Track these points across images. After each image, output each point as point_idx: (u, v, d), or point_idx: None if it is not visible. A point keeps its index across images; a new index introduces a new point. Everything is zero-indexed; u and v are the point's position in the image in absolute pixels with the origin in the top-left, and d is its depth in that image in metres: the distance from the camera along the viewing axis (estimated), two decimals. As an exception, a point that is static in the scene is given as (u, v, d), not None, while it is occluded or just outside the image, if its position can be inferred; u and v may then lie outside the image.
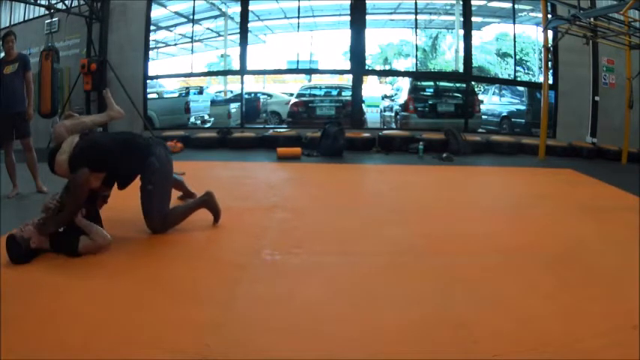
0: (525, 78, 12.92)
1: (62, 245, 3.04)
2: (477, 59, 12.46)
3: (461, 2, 9.58)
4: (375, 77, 15.99)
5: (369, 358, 2.04)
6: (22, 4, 9.08)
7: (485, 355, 2.04)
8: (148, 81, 9.45)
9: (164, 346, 2.07)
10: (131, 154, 3.38)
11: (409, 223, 4.02)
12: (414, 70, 11.91)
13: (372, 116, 11.75)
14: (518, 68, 12.40)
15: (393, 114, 10.97)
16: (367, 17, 9.39)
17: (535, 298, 2.59)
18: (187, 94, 11.80)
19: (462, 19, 9.62)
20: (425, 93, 10.28)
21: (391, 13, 12.57)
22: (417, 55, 11.89)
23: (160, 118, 9.95)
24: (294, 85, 13.34)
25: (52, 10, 8.02)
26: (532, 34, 12.36)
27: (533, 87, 10.96)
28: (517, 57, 11.60)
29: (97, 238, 3.05)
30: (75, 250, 3.01)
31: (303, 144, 7.78)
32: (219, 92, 13.65)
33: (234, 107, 10.93)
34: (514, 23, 10.05)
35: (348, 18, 9.29)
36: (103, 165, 3.23)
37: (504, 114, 11.11)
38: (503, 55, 13.57)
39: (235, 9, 10.58)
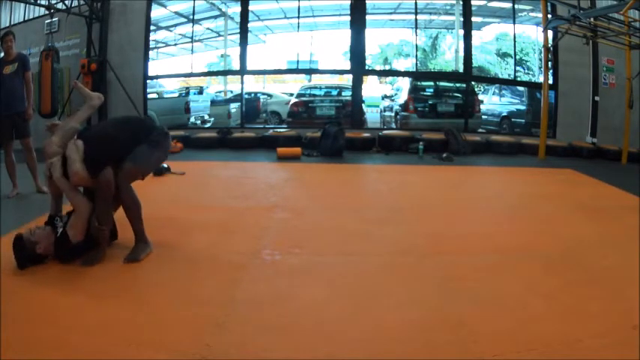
0: (525, 78, 12.93)
1: (61, 250, 2.96)
2: (477, 59, 12.47)
3: (461, 2, 9.58)
4: (375, 77, 16.02)
5: (369, 358, 2.04)
6: (22, 4, 9.08)
7: (485, 355, 2.04)
8: (148, 81, 9.45)
9: (164, 347, 2.08)
10: (135, 134, 3.18)
11: (409, 223, 4.02)
12: (414, 70, 11.92)
13: (372, 116, 11.76)
14: (518, 68, 12.41)
15: (393, 114, 10.97)
16: (367, 17, 9.39)
17: (535, 298, 2.58)
18: (187, 94, 11.80)
19: (462, 19, 9.62)
20: (425, 93, 10.28)
21: (391, 13, 12.58)
22: (417, 55, 11.91)
23: (160, 118, 9.93)
24: (294, 85, 13.36)
25: (52, 10, 8.01)
26: (532, 34, 12.38)
27: (533, 87, 10.97)
28: (517, 57, 11.61)
29: (73, 226, 2.96)
30: (70, 259, 2.96)
31: (303, 144, 7.78)
32: (219, 92, 13.66)
33: (234, 107, 10.93)
34: (514, 23, 10.05)
35: (348, 18, 9.29)
36: (117, 155, 3.07)
37: (504, 114, 11.11)
38: (503, 55, 13.59)
39: (235, 9, 10.59)
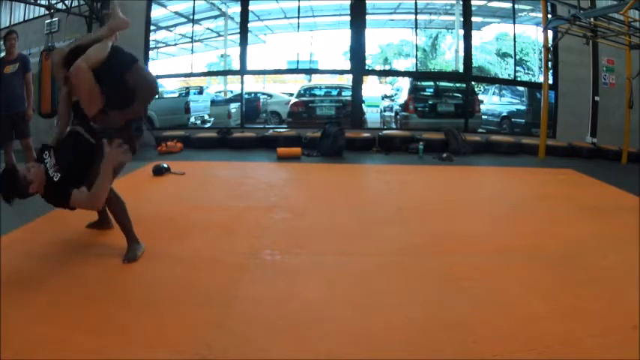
0: (525, 78, 12.94)
1: (55, 196, 2.80)
2: (477, 59, 12.49)
3: (461, 2, 9.58)
4: (375, 77, 16.03)
5: (369, 358, 2.04)
6: (22, 4, 9.08)
7: (485, 355, 2.04)
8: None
9: (164, 347, 2.08)
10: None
11: (409, 223, 4.02)
12: (414, 70, 11.92)
13: (372, 116, 11.76)
14: (518, 68, 12.42)
15: (393, 114, 10.97)
16: (367, 17, 9.39)
17: (535, 298, 2.59)
18: (187, 94, 11.80)
19: (462, 19, 9.63)
20: (425, 93, 10.27)
21: (391, 13, 12.60)
22: (417, 55, 11.91)
23: (160, 118, 9.95)
24: (294, 85, 13.37)
25: (52, 10, 8.01)
26: (532, 34, 12.40)
27: (533, 87, 10.97)
28: (517, 57, 11.62)
29: (93, 197, 2.77)
30: (66, 202, 2.79)
31: (303, 144, 7.78)
32: (219, 92, 13.66)
33: (234, 107, 10.94)
34: (514, 23, 10.05)
35: (348, 18, 9.29)
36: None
37: (504, 114, 11.11)
38: (503, 55, 13.60)
39: (235, 9, 10.60)
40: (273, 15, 12.67)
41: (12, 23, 9.40)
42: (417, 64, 12.06)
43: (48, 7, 7.94)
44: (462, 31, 9.59)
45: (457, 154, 7.61)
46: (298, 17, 10.25)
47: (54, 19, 8.86)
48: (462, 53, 9.53)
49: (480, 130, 9.94)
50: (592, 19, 7.13)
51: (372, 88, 13.80)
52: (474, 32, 9.72)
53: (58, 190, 2.80)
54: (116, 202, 3.11)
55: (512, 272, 2.98)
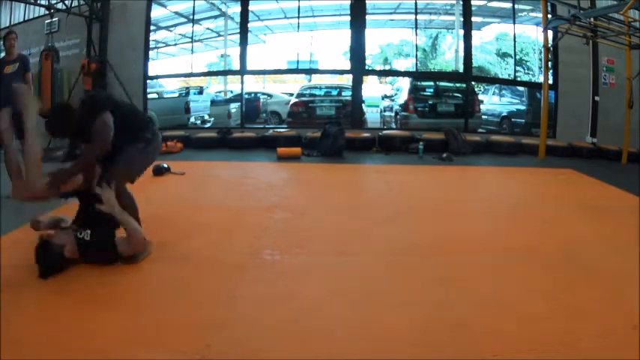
0: (525, 78, 12.93)
1: (98, 254, 2.83)
2: (477, 59, 12.47)
3: (461, 2, 9.58)
4: (375, 77, 16.01)
5: (369, 358, 2.04)
6: (22, 4, 9.08)
7: (485, 355, 2.04)
8: (148, 81, 9.45)
9: (164, 347, 2.08)
10: (130, 122, 3.08)
11: (409, 223, 4.02)
12: (414, 70, 11.91)
13: (372, 116, 11.75)
14: (518, 68, 12.40)
15: (393, 114, 10.96)
16: (367, 17, 9.39)
17: (535, 298, 2.59)
18: (187, 94, 11.80)
19: (462, 19, 9.62)
20: (425, 93, 10.27)
21: (391, 13, 12.58)
22: (417, 55, 11.89)
23: (160, 118, 9.94)
24: (294, 85, 13.35)
25: (52, 10, 8.02)
26: (532, 34, 12.38)
27: (533, 87, 10.97)
28: (517, 57, 11.60)
29: (134, 240, 2.84)
30: (114, 256, 2.83)
31: (303, 144, 7.78)
32: (219, 92, 13.66)
33: (234, 107, 10.94)
34: (514, 23, 10.05)
35: (348, 18, 9.29)
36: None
37: (504, 114, 11.11)
38: (503, 55, 13.58)
39: (235, 9, 10.59)
40: (273, 15, 12.66)
41: (12, 23, 9.40)
42: (417, 64, 12.03)
43: (48, 7, 7.94)
44: (462, 31, 9.59)
45: (457, 154, 7.61)
46: (298, 17, 10.25)
47: (54, 19, 8.87)
48: (462, 53, 9.53)
49: (480, 130, 9.94)
50: (592, 19, 7.13)
51: (372, 88, 13.78)
52: (474, 32, 9.73)
53: (99, 247, 2.81)
54: (130, 204, 3.15)
55: (512, 272, 2.98)
